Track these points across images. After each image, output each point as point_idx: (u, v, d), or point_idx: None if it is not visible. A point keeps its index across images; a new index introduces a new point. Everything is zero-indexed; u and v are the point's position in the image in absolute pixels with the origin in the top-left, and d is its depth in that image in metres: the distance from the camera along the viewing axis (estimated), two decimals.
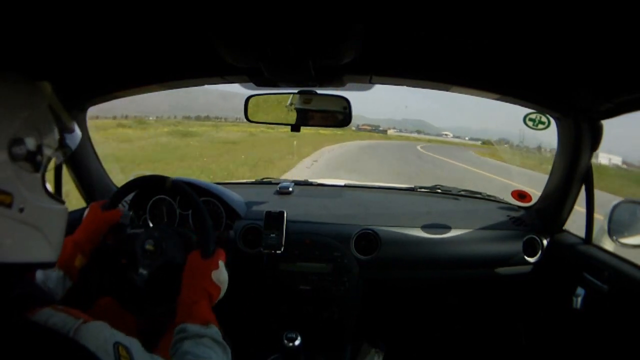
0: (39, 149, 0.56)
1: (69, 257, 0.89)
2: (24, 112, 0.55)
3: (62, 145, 0.63)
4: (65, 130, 0.64)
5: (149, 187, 1.25)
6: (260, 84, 1.06)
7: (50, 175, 1.24)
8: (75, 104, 1.19)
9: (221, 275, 0.84)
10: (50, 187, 0.61)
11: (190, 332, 0.70)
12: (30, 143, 0.55)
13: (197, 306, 0.76)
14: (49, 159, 0.60)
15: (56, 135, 0.61)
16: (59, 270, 0.85)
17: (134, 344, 0.57)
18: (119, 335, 0.56)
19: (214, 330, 0.73)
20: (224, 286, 0.84)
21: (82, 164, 1.32)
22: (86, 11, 0.64)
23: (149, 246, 0.96)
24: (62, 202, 0.62)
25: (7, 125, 0.52)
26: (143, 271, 0.96)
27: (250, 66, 0.88)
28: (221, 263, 0.86)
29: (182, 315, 0.74)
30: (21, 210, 0.53)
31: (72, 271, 0.88)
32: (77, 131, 0.69)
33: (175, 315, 0.77)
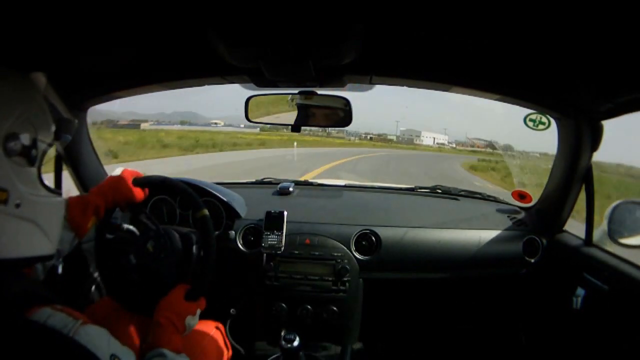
0: (34, 143, 0.56)
1: (85, 220, 0.86)
2: (19, 107, 0.55)
3: (57, 138, 0.63)
4: (61, 122, 0.63)
5: (169, 192, 1.25)
6: (260, 84, 1.06)
7: (51, 175, 1.24)
8: (75, 104, 1.19)
9: (192, 321, 0.86)
10: (47, 182, 0.61)
11: (169, 358, 0.71)
12: (25, 138, 0.54)
13: (174, 335, 0.79)
14: (44, 153, 0.60)
15: (52, 128, 0.61)
16: (71, 231, 0.83)
17: (130, 356, 0.58)
18: (116, 346, 0.56)
19: None
20: (187, 332, 0.87)
21: (82, 163, 1.32)
22: (87, 11, 0.64)
23: (149, 246, 0.96)
24: (59, 194, 0.62)
25: (1, 121, 0.52)
26: (133, 259, 0.96)
27: (250, 66, 0.88)
28: (198, 312, 0.88)
29: (158, 338, 0.76)
30: (17, 205, 0.53)
31: (83, 232, 0.87)
32: (73, 122, 0.68)
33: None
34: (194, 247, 1.01)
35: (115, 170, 0.99)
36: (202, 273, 0.92)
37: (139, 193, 0.98)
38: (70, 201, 0.85)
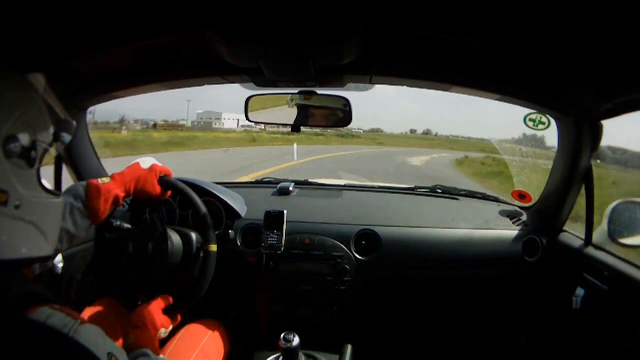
0: (34, 144, 0.56)
1: (105, 209, 0.83)
2: (19, 108, 0.54)
3: (56, 139, 0.63)
4: (59, 123, 0.63)
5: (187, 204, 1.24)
6: (260, 84, 1.06)
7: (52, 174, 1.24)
8: (74, 104, 1.19)
9: (164, 335, 0.89)
10: (47, 182, 0.61)
11: (153, 358, 0.73)
12: (25, 139, 0.54)
13: (153, 337, 0.82)
14: (44, 154, 0.60)
15: (51, 129, 0.61)
16: (88, 219, 0.81)
17: (125, 356, 0.58)
18: (112, 346, 0.56)
19: None
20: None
21: (82, 163, 1.32)
22: (86, 10, 0.64)
23: (150, 246, 0.96)
24: (58, 195, 0.62)
25: (1, 123, 0.52)
26: (131, 248, 0.98)
27: (250, 66, 0.88)
28: (171, 328, 0.91)
29: (139, 339, 0.78)
30: (17, 207, 0.53)
31: (100, 220, 0.84)
32: (72, 123, 0.68)
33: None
34: (194, 240, 1.02)
35: (144, 159, 0.94)
36: (189, 296, 0.94)
37: (162, 194, 0.96)
38: (91, 187, 0.82)
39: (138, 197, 0.93)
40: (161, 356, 0.76)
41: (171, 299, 0.92)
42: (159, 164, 0.96)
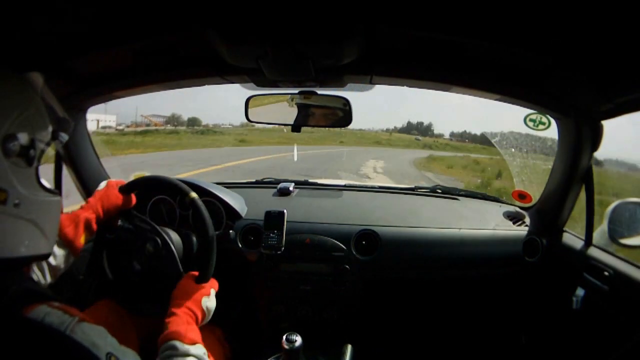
0: (32, 143, 0.56)
1: (78, 235, 0.87)
2: (17, 107, 0.55)
3: (54, 137, 0.63)
4: (58, 122, 0.63)
5: (157, 188, 1.25)
6: (260, 84, 1.07)
7: (51, 174, 1.24)
8: (74, 104, 1.18)
9: (210, 302, 0.86)
10: (46, 181, 0.61)
11: (180, 350, 0.71)
12: (23, 138, 0.55)
13: (189, 325, 0.78)
14: (42, 153, 0.60)
15: (49, 128, 0.61)
16: (64, 247, 0.83)
17: (128, 356, 0.57)
18: (114, 345, 0.56)
19: (202, 350, 0.74)
20: (209, 314, 0.87)
21: (82, 163, 1.32)
22: (86, 11, 0.64)
23: (149, 246, 0.96)
24: (56, 194, 0.62)
25: (0, 122, 0.52)
26: (137, 265, 0.97)
27: (250, 66, 0.88)
28: (213, 291, 0.88)
29: (170, 330, 0.75)
30: (16, 205, 0.53)
31: (76, 248, 0.87)
32: (70, 122, 0.68)
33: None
34: (194, 240, 1.02)
35: (100, 184, 1.02)
36: (206, 255, 0.91)
37: (128, 200, 1.01)
38: (62, 217, 0.84)
39: (110, 213, 0.97)
40: (198, 345, 0.74)
41: (196, 272, 0.89)
42: (114, 179, 1.03)
